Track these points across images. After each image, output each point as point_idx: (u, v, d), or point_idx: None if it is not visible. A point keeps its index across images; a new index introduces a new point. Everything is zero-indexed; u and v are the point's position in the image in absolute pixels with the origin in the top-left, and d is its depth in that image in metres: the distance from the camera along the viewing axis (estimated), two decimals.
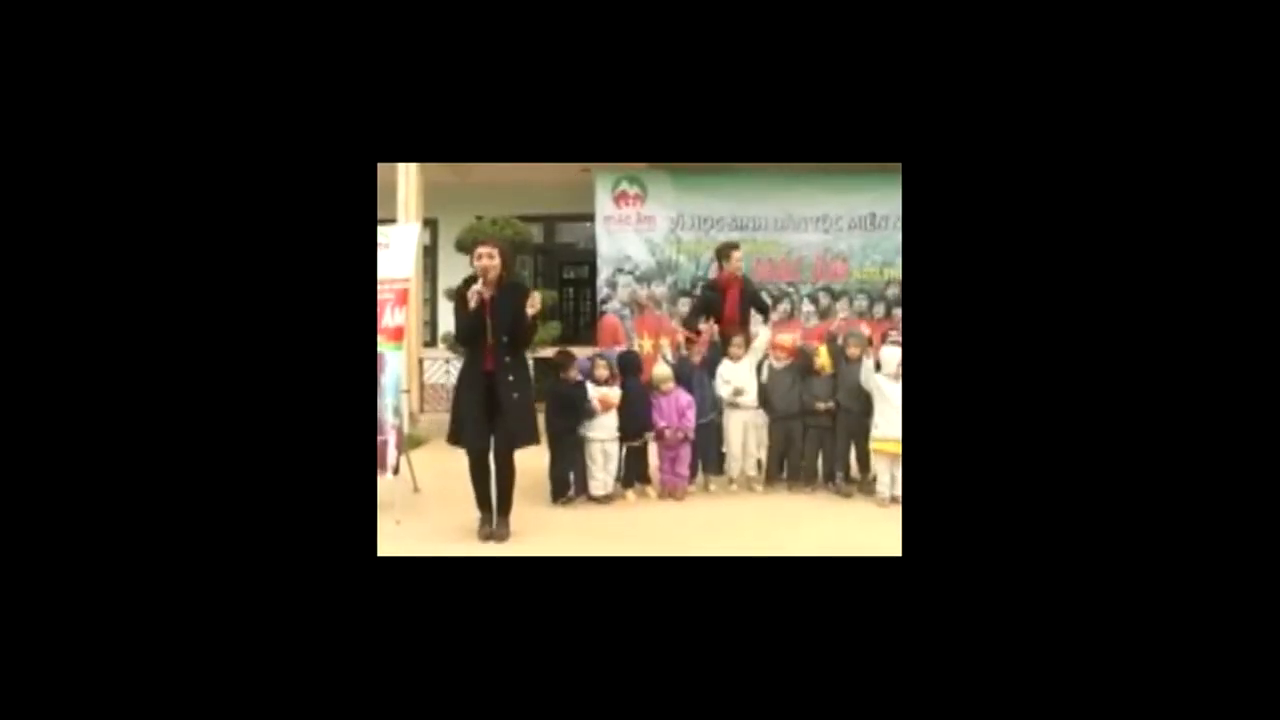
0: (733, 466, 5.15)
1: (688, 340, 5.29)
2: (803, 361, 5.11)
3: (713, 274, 5.70)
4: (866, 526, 4.29)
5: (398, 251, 5.17)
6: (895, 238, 8.04)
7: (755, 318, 5.66)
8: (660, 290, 7.87)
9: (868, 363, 4.80)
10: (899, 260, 8.03)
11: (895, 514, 4.56)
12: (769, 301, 5.73)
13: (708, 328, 5.20)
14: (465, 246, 6.70)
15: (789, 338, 5.22)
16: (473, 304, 3.88)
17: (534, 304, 3.95)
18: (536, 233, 8.55)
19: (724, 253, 5.59)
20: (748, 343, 5.14)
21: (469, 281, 3.98)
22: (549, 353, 5.39)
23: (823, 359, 5.01)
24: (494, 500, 4.07)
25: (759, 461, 5.20)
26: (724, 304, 5.44)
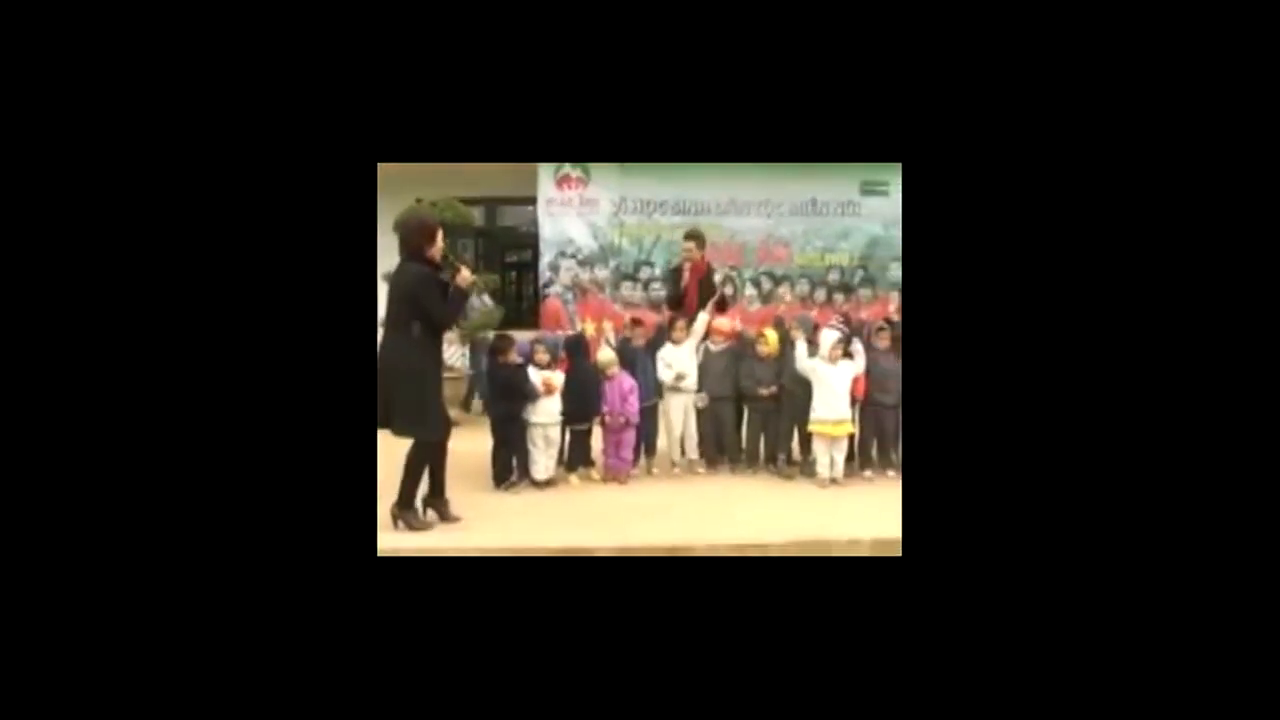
0: (674, 450, 5.17)
1: (632, 323, 5.27)
2: (739, 345, 5.13)
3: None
4: (807, 508, 4.35)
5: None
6: (836, 223, 8.12)
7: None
8: (603, 274, 7.82)
9: (801, 347, 4.84)
10: (840, 246, 8.12)
11: (835, 495, 4.63)
12: (726, 291, 5.82)
13: (654, 316, 5.21)
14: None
15: (727, 321, 5.24)
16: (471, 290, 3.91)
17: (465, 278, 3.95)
18: (478, 216, 8.40)
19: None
20: (690, 326, 5.14)
21: (450, 267, 3.93)
22: (488, 337, 5.32)
23: (770, 344, 5.04)
24: (425, 489, 4.00)
25: (699, 444, 5.22)
26: (683, 289, 5.44)
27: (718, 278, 6.10)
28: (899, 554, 3.66)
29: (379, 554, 2.48)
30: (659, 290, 6.71)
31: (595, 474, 5.00)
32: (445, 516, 4.00)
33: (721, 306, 5.34)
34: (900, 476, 5.01)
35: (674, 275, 5.75)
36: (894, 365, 4.99)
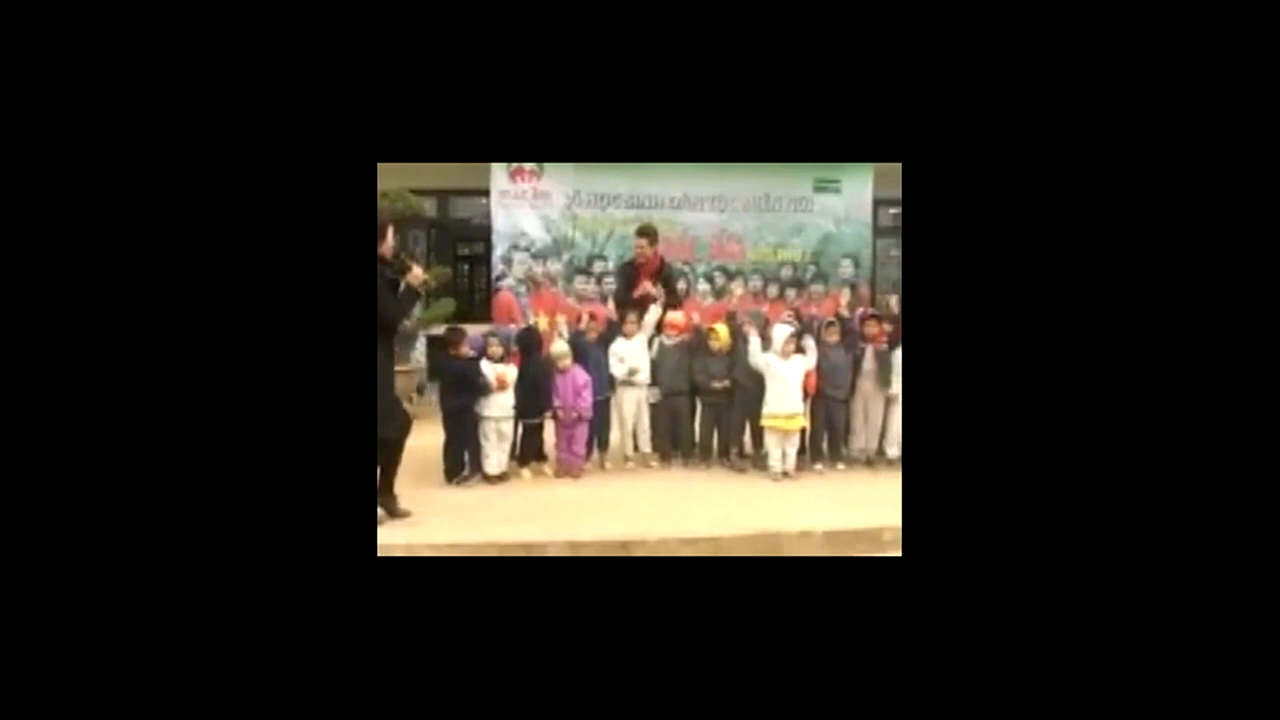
0: (627, 444, 5.17)
1: (589, 317, 5.26)
2: (694, 339, 5.15)
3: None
4: (761, 501, 4.38)
5: None
6: (789, 220, 8.23)
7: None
8: (556, 268, 7.80)
9: (755, 342, 4.88)
10: (793, 242, 8.23)
11: (787, 488, 4.68)
12: (680, 286, 5.84)
13: (607, 309, 5.21)
14: None
15: (680, 315, 5.26)
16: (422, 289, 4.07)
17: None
18: (429, 207, 8.29)
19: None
20: (641, 320, 5.15)
21: (401, 264, 4.00)
22: (440, 330, 5.27)
23: (721, 338, 5.06)
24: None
25: (652, 439, 5.22)
26: (636, 283, 5.43)
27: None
28: (847, 547, 3.80)
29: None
30: (612, 284, 6.72)
31: (548, 469, 4.97)
32: (394, 512, 3.95)
33: (674, 302, 5.35)
34: (849, 469, 5.14)
35: (625, 270, 5.75)
36: (844, 360, 5.06)
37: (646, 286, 5.33)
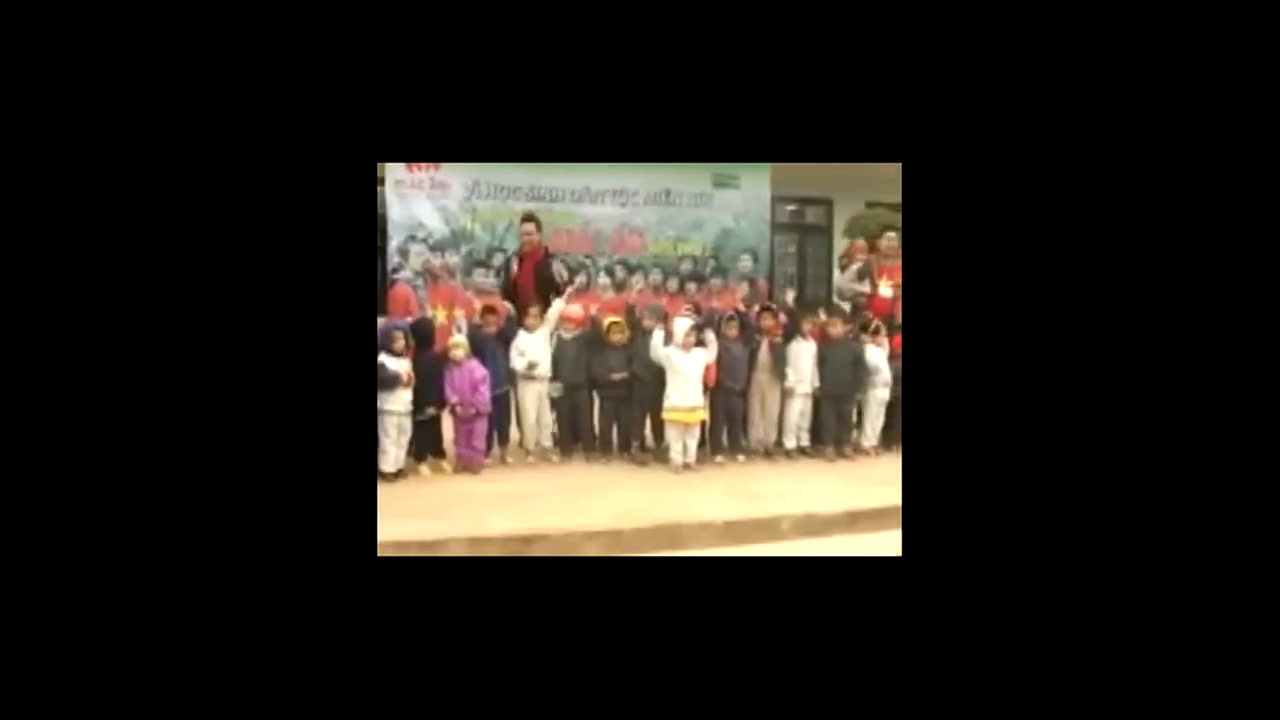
0: (528, 438, 5.14)
1: (484, 310, 5.20)
2: (591, 332, 5.16)
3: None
4: (662, 494, 4.42)
5: None
6: (689, 214, 8.32)
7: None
8: (454, 260, 7.65)
9: (657, 335, 4.92)
10: (693, 236, 8.32)
11: (688, 481, 4.74)
12: (564, 276, 5.82)
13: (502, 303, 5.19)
14: None
15: (578, 309, 5.26)
16: None
17: None
18: None
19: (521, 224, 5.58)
20: (543, 313, 5.12)
21: None
22: None
23: (622, 332, 5.08)
24: None
25: (554, 433, 5.21)
26: (519, 275, 5.40)
27: (572, 265, 6.15)
28: (746, 537, 3.88)
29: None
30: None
31: (446, 464, 4.89)
32: None
33: (559, 291, 5.37)
34: (748, 460, 5.24)
35: (507, 261, 5.73)
36: (743, 353, 5.16)
37: (533, 259, 5.33)
